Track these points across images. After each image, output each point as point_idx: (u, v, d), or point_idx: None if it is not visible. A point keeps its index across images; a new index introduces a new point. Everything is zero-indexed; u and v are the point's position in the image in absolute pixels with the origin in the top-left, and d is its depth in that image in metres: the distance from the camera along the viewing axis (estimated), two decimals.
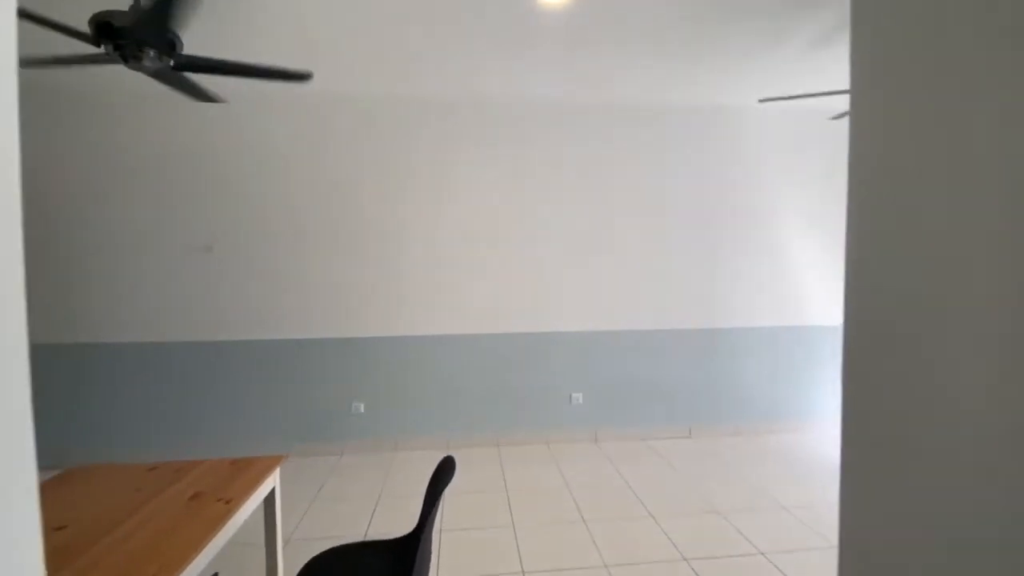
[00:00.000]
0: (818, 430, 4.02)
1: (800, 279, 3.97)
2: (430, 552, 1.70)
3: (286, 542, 2.44)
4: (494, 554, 2.38)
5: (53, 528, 1.39)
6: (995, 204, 0.49)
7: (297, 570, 1.52)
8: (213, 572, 1.95)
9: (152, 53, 1.95)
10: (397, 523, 2.57)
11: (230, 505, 1.54)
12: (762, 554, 2.33)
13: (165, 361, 3.41)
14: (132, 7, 1.86)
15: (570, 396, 3.75)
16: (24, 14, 1.68)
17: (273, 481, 1.86)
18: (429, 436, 3.61)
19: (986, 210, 0.50)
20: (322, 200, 3.47)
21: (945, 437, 0.53)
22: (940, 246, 0.55)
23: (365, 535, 2.52)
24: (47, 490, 1.65)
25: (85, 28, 1.86)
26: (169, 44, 1.96)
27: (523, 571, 2.24)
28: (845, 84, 2.71)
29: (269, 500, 1.89)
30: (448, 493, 2.69)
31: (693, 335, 3.84)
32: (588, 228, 3.71)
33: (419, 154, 3.52)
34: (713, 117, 3.79)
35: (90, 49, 2.00)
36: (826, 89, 3.03)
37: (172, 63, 2.05)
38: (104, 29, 1.87)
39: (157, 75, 2.17)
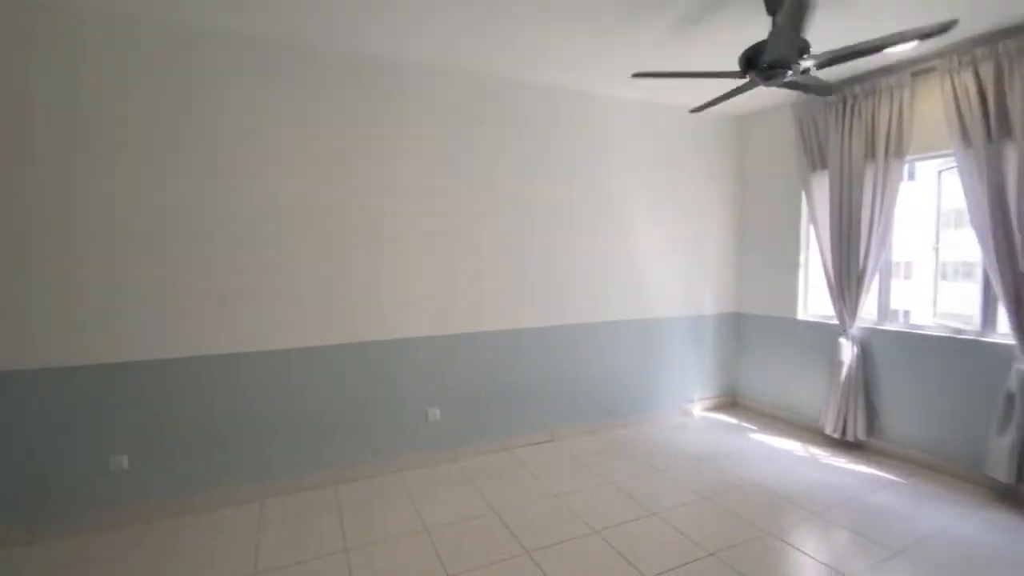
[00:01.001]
0: (664, 419, 4.14)
1: (650, 272, 4.02)
2: None
3: None
4: None
5: None
6: None
7: None
8: None
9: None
10: None
11: None
12: None
13: None
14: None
15: (426, 413, 3.21)
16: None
17: None
18: (231, 489, 2.75)
19: None
20: None
21: None
22: None
23: None
24: None
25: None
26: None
27: None
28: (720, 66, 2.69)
29: None
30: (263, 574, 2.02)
31: (551, 333, 3.60)
32: (440, 220, 3.19)
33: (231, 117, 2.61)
34: (576, 104, 3.57)
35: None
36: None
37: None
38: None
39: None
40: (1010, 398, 2.61)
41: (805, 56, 2.16)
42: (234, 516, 2.62)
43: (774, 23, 2.26)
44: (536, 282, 3.53)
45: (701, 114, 4.15)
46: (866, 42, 2.04)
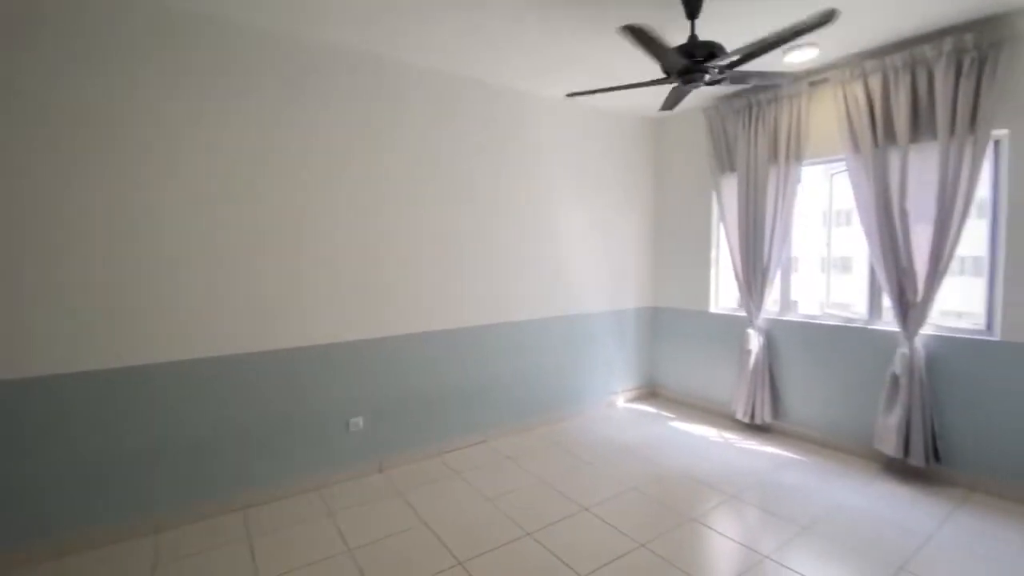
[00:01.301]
0: (592, 412, 4.21)
1: (575, 268, 4.05)
2: None
3: None
4: None
5: None
6: None
7: None
8: None
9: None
10: None
11: None
12: None
13: None
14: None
15: (347, 423, 2.99)
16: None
17: None
18: (118, 524, 2.37)
19: None
20: None
21: None
22: None
23: None
24: None
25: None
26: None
27: None
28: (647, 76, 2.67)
29: None
30: None
31: (482, 333, 3.51)
32: (364, 219, 2.96)
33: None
34: (503, 102, 3.49)
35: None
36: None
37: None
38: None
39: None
40: (895, 379, 2.91)
41: (717, 59, 2.21)
42: (125, 554, 2.26)
43: (692, 28, 2.33)
44: (466, 281, 3.41)
45: (621, 116, 4.25)
46: (758, 41, 2.10)
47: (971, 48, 2.51)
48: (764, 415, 3.65)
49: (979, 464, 2.73)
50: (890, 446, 2.89)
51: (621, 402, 4.47)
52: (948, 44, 2.58)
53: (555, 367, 3.96)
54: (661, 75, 2.39)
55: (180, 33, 2.39)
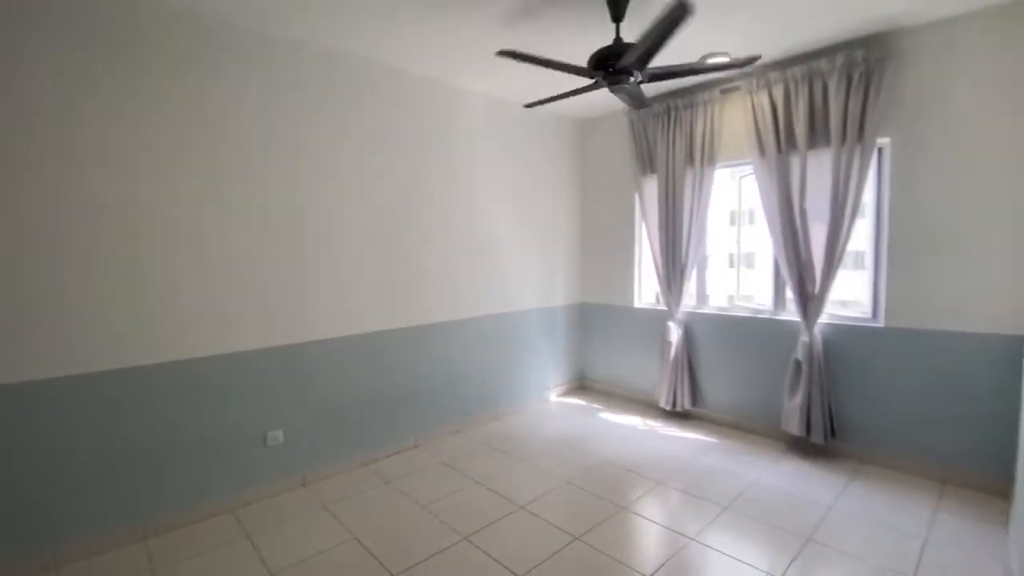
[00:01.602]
0: (526, 409, 4.24)
1: (507, 267, 4.04)
2: None
3: None
4: None
5: None
6: None
7: None
8: None
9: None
10: None
11: None
12: None
13: None
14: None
15: (265, 436, 2.76)
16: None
17: None
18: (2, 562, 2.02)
19: None
20: None
21: None
22: None
23: None
24: None
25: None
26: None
27: None
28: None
29: None
30: None
31: (411, 334, 3.40)
32: (275, 215, 2.74)
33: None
34: (430, 95, 3.38)
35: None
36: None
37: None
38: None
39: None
40: (798, 365, 3.19)
41: (646, 67, 2.30)
42: None
43: (617, 31, 2.38)
44: (393, 281, 3.27)
45: (550, 115, 4.29)
46: (690, 64, 2.28)
47: (860, 63, 2.79)
48: (684, 402, 3.86)
49: (868, 439, 3.06)
50: (794, 426, 3.17)
51: (554, 397, 4.53)
52: (841, 59, 2.84)
53: (489, 366, 3.93)
54: (589, 81, 2.42)
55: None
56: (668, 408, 3.93)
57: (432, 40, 2.82)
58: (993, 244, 2.59)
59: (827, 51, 2.97)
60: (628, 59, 2.16)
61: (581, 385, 4.81)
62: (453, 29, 2.69)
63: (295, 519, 2.56)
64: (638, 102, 2.70)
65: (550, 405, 4.38)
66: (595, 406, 4.33)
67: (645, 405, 4.27)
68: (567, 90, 2.76)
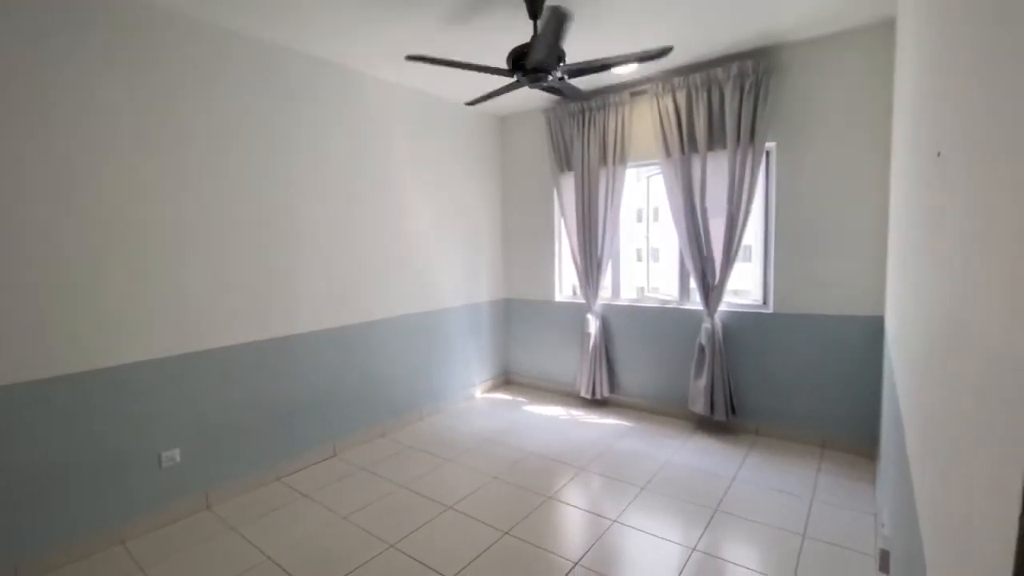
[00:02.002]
0: (451, 407, 4.19)
1: (432, 264, 3.96)
2: None
3: None
4: None
5: None
6: None
7: None
8: None
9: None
10: None
11: None
12: None
13: None
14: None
15: (159, 457, 2.47)
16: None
17: None
18: None
19: None
20: None
21: None
22: None
23: None
24: None
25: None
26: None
27: None
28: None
29: None
30: None
31: (328, 337, 3.22)
32: (163, 209, 2.46)
33: None
34: (350, 86, 3.19)
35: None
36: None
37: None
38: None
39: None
40: (701, 349, 3.45)
41: (562, 64, 2.36)
42: None
43: (535, 28, 2.41)
44: (307, 280, 3.07)
45: (470, 111, 4.26)
46: (605, 58, 2.35)
47: (751, 73, 3.07)
48: (603, 390, 4.03)
49: (763, 413, 3.39)
50: (700, 406, 3.43)
51: (479, 393, 4.53)
52: (735, 68, 3.11)
53: (413, 366, 3.83)
54: (506, 67, 2.43)
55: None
56: (588, 397, 4.08)
57: (354, 32, 2.67)
58: (856, 238, 2.98)
59: (723, 61, 3.23)
60: (532, 60, 2.22)
61: (507, 380, 4.86)
62: (380, 30, 2.57)
63: (199, 545, 2.32)
64: (572, 95, 2.77)
65: (476, 402, 4.37)
66: (520, 399, 4.39)
67: (567, 395, 4.40)
68: (493, 88, 2.75)
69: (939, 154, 0.83)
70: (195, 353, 2.57)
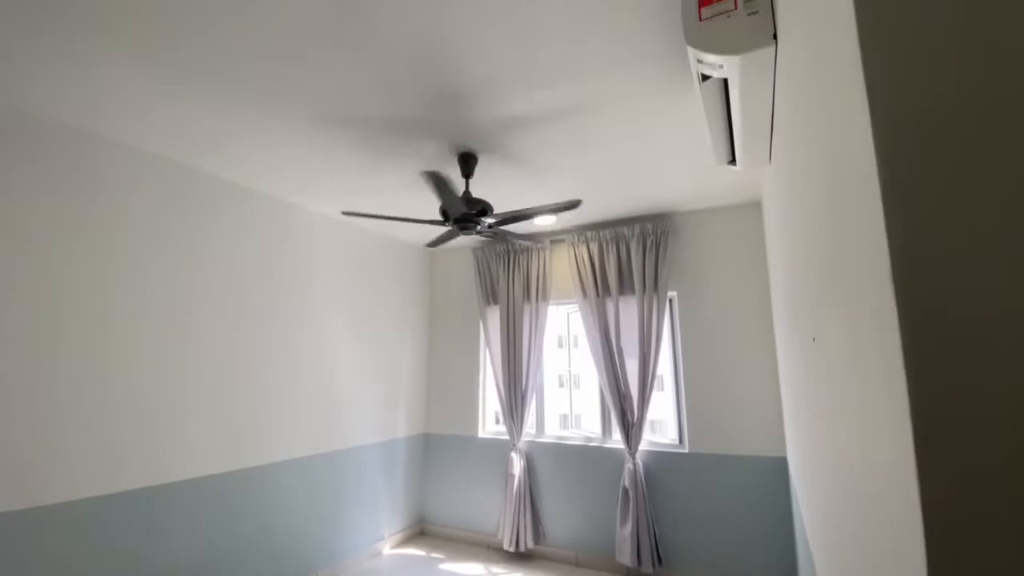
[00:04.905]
0: (353, 567, 3.65)
1: (344, 398, 3.73)
2: None
3: None
4: None
5: None
6: None
7: None
8: None
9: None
10: None
11: None
12: None
13: None
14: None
15: None
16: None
17: None
18: None
19: None
20: None
21: None
22: None
23: None
24: None
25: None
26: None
27: None
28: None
29: None
30: None
31: (213, 484, 2.80)
32: (40, 332, 2.19)
33: None
34: (278, 215, 3.23)
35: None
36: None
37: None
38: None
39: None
40: (625, 492, 3.38)
41: (487, 215, 2.57)
42: None
43: (467, 185, 2.66)
44: (193, 418, 2.74)
45: (398, 243, 4.42)
46: (527, 209, 2.60)
47: (651, 233, 3.51)
48: (528, 541, 3.73)
49: (689, 560, 3.27)
50: (627, 556, 3.25)
51: (387, 548, 4.01)
52: (638, 227, 3.55)
53: (315, 513, 3.36)
54: (439, 217, 2.61)
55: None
56: (511, 550, 3.75)
57: (275, 161, 2.78)
58: (755, 382, 3.23)
59: (628, 221, 3.69)
60: (452, 214, 2.43)
61: (421, 531, 4.38)
62: (303, 159, 2.71)
63: None
64: (503, 238, 3.00)
65: (382, 560, 3.84)
66: (435, 556, 3.93)
67: (488, 548, 4.02)
68: (401, 218, 2.89)
69: (814, 339, 0.96)
70: (37, 509, 2.10)
